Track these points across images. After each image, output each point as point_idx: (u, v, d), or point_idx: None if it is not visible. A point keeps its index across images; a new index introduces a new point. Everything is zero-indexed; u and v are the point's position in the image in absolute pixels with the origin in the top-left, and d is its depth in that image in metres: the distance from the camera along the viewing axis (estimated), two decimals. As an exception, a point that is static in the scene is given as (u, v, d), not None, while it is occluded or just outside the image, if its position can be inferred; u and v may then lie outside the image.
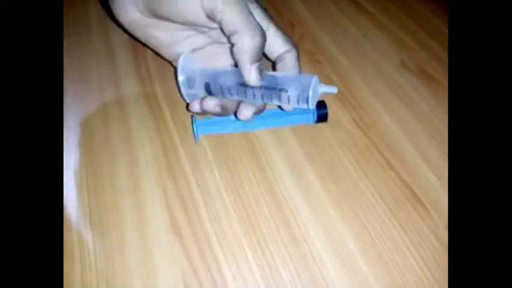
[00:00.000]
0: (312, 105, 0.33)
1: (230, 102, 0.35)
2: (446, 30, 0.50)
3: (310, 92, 0.32)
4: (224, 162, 0.36)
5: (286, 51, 0.35)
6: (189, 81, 0.36)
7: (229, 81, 0.34)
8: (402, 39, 0.49)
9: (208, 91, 0.35)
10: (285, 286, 0.29)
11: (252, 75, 0.32)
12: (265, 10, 0.35)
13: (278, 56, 0.35)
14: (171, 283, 0.29)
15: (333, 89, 0.33)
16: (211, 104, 0.35)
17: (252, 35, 0.31)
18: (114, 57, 0.45)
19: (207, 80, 0.35)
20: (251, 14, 0.32)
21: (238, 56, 0.32)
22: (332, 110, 0.40)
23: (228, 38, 0.32)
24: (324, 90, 0.33)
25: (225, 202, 0.33)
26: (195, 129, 0.36)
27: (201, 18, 0.33)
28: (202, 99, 0.35)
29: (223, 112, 0.35)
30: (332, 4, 0.54)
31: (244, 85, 0.34)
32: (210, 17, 0.32)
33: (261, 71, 0.33)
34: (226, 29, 0.32)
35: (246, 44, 0.31)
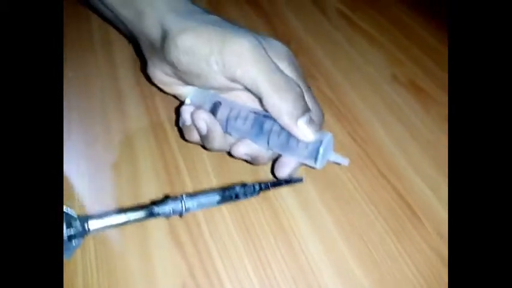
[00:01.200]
0: (320, 164, 0.32)
1: (221, 137, 0.33)
2: (437, 45, 0.51)
3: (321, 150, 0.31)
4: (223, 175, 0.37)
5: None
6: (197, 104, 0.34)
7: (244, 109, 0.32)
8: (394, 54, 0.50)
9: (213, 111, 0.34)
10: (284, 297, 0.30)
11: (300, 132, 0.30)
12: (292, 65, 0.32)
13: None
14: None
15: (344, 161, 0.32)
16: (203, 116, 0.32)
17: (281, 96, 0.29)
18: (116, 73, 0.46)
19: (218, 99, 0.34)
20: (278, 70, 0.30)
21: (278, 121, 0.31)
22: (328, 124, 0.41)
23: (260, 101, 0.31)
24: (334, 159, 0.32)
25: (223, 212, 0.34)
26: None
27: (227, 83, 0.32)
28: (196, 109, 0.33)
29: (207, 140, 0.33)
30: (326, 20, 0.55)
31: (265, 116, 0.32)
32: (234, 82, 0.31)
33: (311, 121, 0.31)
34: (253, 93, 0.31)
35: (278, 107, 0.30)
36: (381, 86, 0.46)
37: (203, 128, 0.33)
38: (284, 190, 0.36)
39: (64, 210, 0.21)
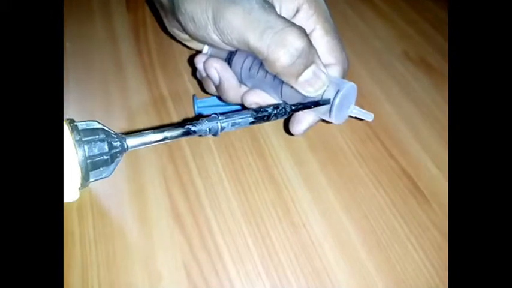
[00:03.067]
0: (337, 118, 0.29)
1: (234, 87, 0.32)
2: (447, 20, 0.50)
3: (336, 102, 0.28)
4: (225, 148, 0.36)
5: (331, 64, 0.30)
6: (212, 55, 0.33)
7: (259, 59, 0.29)
8: (405, 30, 0.49)
9: (229, 61, 0.32)
10: (285, 272, 0.29)
11: (302, 89, 0.29)
12: (319, 5, 0.30)
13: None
14: (171, 267, 0.29)
15: (369, 116, 0.30)
16: (215, 64, 0.31)
17: (273, 58, 0.27)
18: (116, 44, 0.45)
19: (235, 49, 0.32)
20: (270, 26, 0.27)
21: (279, 76, 0.29)
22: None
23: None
24: (356, 114, 0.30)
25: (226, 188, 0.34)
26: (195, 109, 0.37)
27: (231, 47, 0.30)
28: (209, 58, 0.32)
29: (221, 90, 0.32)
30: (335, -7, 0.54)
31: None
32: (238, 47, 0.29)
33: (314, 76, 0.28)
34: (255, 55, 0.29)
35: (273, 69, 0.28)
36: (390, 61, 0.45)
37: (215, 77, 0.32)
38: (287, 165, 0.35)
39: (103, 126, 0.21)
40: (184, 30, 0.33)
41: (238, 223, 0.32)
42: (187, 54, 0.44)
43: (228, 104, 0.37)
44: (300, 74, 0.28)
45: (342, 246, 0.31)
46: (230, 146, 0.36)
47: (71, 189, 0.20)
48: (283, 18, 0.28)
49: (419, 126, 0.39)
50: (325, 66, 0.29)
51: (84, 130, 0.20)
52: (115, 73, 0.42)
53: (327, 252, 0.30)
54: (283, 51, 0.27)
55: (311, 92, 0.29)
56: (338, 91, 0.28)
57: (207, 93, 0.36)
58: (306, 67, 0.28)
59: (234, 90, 0.32)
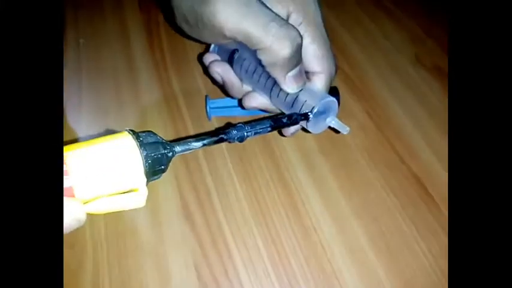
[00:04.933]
0: (313, 127, 0.31)
1: (236, 87, 0.33)
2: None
3: (313, 112, 0.29)
4: (236, 150, 0.36)
5: (316, 72, 0.31)
6: (219, 50, 0.35)
7: (253, 58, 0.31)
8: (416, 33, 0.49)
9: (231, 59, 0.33)
10: (294, 274, 0.29)
11: (287, 85, 0.30)
12: (308, 12, 0.30)
13: (307, 72, 0.31)
14: (182, 266, 0.29)
15: (344, 129, 0.30)
16: (217, 69, 0.33)
17: (277, 47, 0.28)
18: (128, 42, 0.45)
19: (237, 46, 0.33)
20: (274, 20, 0.28)
21: (268, 69, 0.30)
22: (345, 100, 0.40)
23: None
24: (335, 124, 0.31)
25: (237, 189, 0.34)
26: (208, 110, 0.37)
27: (227, 40, 0.30)
28: (213, 61, 0.34)
29: (225, 89, 0.34)
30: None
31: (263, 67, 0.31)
32: (231, 38, 0.29)
33: (299, 74, 0.30)
34: (249, 46, 0.29)
35: (272, 59, 0.29)
36: (401, 65, 0.45)
37: (219, 80, 0.34)
38: (298, 168, 0.35)
39: (160, 139, 0.24)
40: (182, 30, 0.33)
41: (249, 224, 0.32)
42: (199, 52, 0.44)
43: (238, 105, 0.37)
44: (291, 69, 0.29)
45: (351, 249, 0.31)
46: (241, 148, 0.36)
47: (141, 199, 0.23)
48: (280, 16, 0.29)
49: (431, 131, 0.38)
50: (310, 73, 0.31)
51: (148, 144, 0.23)
52: (127, 71, 0.42)
53: (336, 255, 0.30)
54: (287, 43, 0.28)
55: (294, 88, 0.30)
56: (313, 107, 0.30)
57: (216, 85, 0.38)
58: (298, 63, 0.30)
59: (236, 90, 0.34)
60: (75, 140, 0.36)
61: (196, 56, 0.44)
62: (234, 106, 0.38)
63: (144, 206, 0.32)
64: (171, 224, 0.32)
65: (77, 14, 0.47)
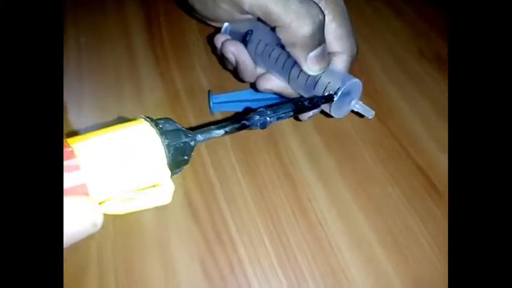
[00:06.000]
0: (336, 112, 0.30)
1: (250, 69, 0.32)
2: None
3: (337, 96, 0.28)
4: (240, 145, 0.36)
5: (337, 52, 0.30)
6: (231, 32, 0.33)
7: (270, 39, 0.30)
8: (420, 26, 0.48)
9: (244, 41, 0.32)
10: (301, 270, 0.29)
11: (308, 66, 0.29)
12: None
13: (328, 53, 0.30)
14: (187, 262, 0.29)
15: (370, 113, 0.29)
16: (231, 48, 0.31)
17: (298, 25, 0.27)
18: (130, 38, 0.45)
19: (252, 27, 0.32)
20: None
21: (287, 49, 0.29)
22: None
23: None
24: (357, 109, 0.30)
25: (241, 184, 0.33)
26: (211, 105, 0.37)
27: (245, 16, 0.30)
28: (226, 40, 0.32)
29: (238, 70, 0.32)
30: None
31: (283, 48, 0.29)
32: (248, 12, 0.29)
33: (322, 54, 0.29)
34: (268, 22, 0.28)
35: (292, 37, 0.27)
36: (405, 58, 0.44)
37: (232, 60, 0.32)
38: (303, 163, 0.35)
39: (180, 127, 0.21)
40: (194, 10, 0.33)
41: (254, 220, 0.31)
42: (202, 46, 0.44)
43: (242, 99, 0.37)
44: (313, 48, 0.28)
45: (358, 245, 0.30)
46: (245, 143, 0.36)
47: (166, 195, 0.20)
48: None
49: (435, 124, 0.38)
50: (330, 54, 0.30)
51: (169, 132, 0.20)
52: (129, 68, 0.42)
53: (343, 251, 0.30)
54: (308, 21, 0.27)
55: (316, 70, 0.29)
56: (338, 88, 0.28)
57: (227, 69, 0.36)
58: (320, 43, 0.28)
59: (249, 72, 0.33)
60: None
61: (198, 51, 0.43)
62: (237, 101, 0.37)
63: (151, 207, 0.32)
64: (176, 220, 0.31)
65: (76, 12, 0.47)
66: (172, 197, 0.32)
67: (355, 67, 0.42)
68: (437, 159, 0.36)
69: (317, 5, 0.28)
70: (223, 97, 0.37)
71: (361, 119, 0.38)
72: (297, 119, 0.35)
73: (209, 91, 0.38)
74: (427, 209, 0.33)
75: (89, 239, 0.30)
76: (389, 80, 0.42)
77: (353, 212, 0.32)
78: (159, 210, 0.31)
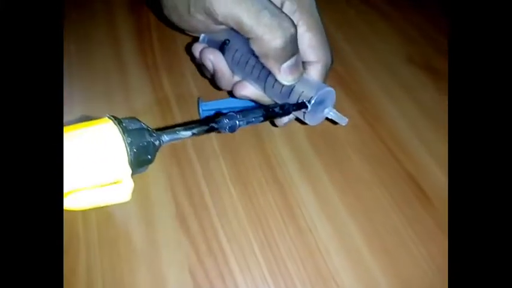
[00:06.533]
0: (310, 119, 0.31)
1: (227, 77, 0.32)
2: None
3: (311, 103, 0.29)
4: (230, 151, 0.36)
5: (312, 62, 0.31)
6: (209, 41, 0.34)
7: (246, 49, 0.30)
8: (409, 33, 0.49)
9: (222, 50, 0.33)
10: (291, 276, 0.29)
11: (281, 76, 0.29)
12: (302, 0, 0.30)
13: (303, 62, 0.31)
14: (177, 271, 0.29)
15: (343, 120, 0.30)
16: (209, 56, 0.31)
17: (270, 37, 0.27)
18: (120, 45, 0.45)
19: (229, 36, 0.32)
20: (267, 8, 0.27)
21: (261, 60, 0.29)
22: (338, 101, 0.39)
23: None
24: (333, 115, 0.30)
25: (231, 191, 0.33)
26: (200, 112, 0.37)
27: (220, 27, 0.30)
28: (205, 48, 0.32)
29: (215, 78, 0.33)
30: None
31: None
32: (223, 23, 0.29)
33: (295, 65, 0.29)
34: (241, 33, 0.29)
35: (264, 49, 0.28)
36: (394, 65, 0.45)
37: (210, 68, 0.32)
38: (292, 169, 0.35)
39: (145, 126, 0.22)
40: (171, 21, 0.33)
41: (244, 228, 0.31)
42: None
43: (231, 106, 0.37)
44: (286, 59, 0.29)
45: (347, 250, 0.31)
46: (234, 149, 0.36)
47: (125, 192, 0.20)
48: (274, 4, 0.28)
49: (424, 129, 0.38)
50: (305, 63, 0.30)
51: (132, 131, 0.21)
52: (118, 74, 0.42)
53: (333, 256, 0.30)
54: (280, 34, 0.27)
55: (290, 80, 0.30)
56: (311, 97, 0.29)
57: (205, 77, 0.37)
58: (292, 54, 0.29)
59: (226, 80, 0.33)
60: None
61: (188, 58, 0.44)
62: (227, 108, 0.37)
63: (138, 211, 0.32)
64: (165, 228, 0.31)
65: (67, 19, 0.47)
66: (162, 206, 0.32)
67: (343, 74, 0.43)
68: (425, 163, 0.36)
69: (289, 17, 0.28)
70: (212, 104, 0.37)
71: (351, 124, 0.38)
72: (273, 124, 0.35)
73: (199, 98, 0.38)
74: (415, 213, 0.33)
75: (76, 251, 0.30)
76: (378, 86, 0.42)
77: (342, 217, 0.32)
78: (149, 221, 0.31)
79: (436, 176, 0.35)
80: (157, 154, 0.35)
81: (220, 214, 0.32)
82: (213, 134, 0.37)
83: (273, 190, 0.34)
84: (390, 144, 0.37)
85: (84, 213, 0.32)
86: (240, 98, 0.34)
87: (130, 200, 0.32)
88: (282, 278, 0.29)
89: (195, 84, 0.41)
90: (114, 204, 0.32)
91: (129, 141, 0.20)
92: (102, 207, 0.20)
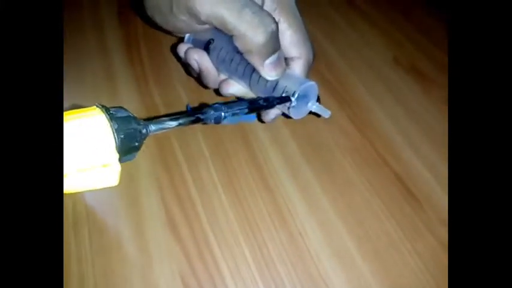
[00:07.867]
0: (295, 113, 0.31)
1: (212, 75, 0.33)
2: (436, 26, 0.50)
3: (294, 97, 0.30)
4: (220, 158, 0.36)
5: (294, 58, 0.32)
6: (194, 41, 0.34)
7: (230, 47, 0.31)
8: (395, 37, 0.49)
9: (207, 49, 0.33)
10: (282, 281, 0.29)
11: (265, 72, 0.30)
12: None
13: (286, 58, 0.32)
14: (168, 279, 0.29)
15: (326, 113, 0.31)
16: (194, 56, 0.32)
17: (252, 34, 0.28)
18: (108, 56, 0.45)
19: (213, 36, 0.33)
20: (248, 6, 0.28)
21: (245, 56, 0.30)
22: (325, 105, 0.40)
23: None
24: (316, 109, 0.31)
25: (221, 198, 0.34)
26: None
27: (204, 26, 0.31)
28: (190, 48, 0.33)
29: (201, 77, 0.33)
30: (324, 0, 0.54)
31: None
32: (206, 23, 0.30)
33: (278, 61, 0.30)
34: (224, 31, 0.29)
35: (247, 46, 0.29)
36: (381, 68, 0.45)
37: (195, 67, 0.33)
38: (282, 173, 0.35)
39: (131, 114, 0.23)
40: (155, 22, 0.34)
41: (235, 233, 0.32)
42: (180, 62, 0.44)
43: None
44: (268, 55, 0.30)
45: (338, 253, 0.31)
46: (225, 155, 0.36)
47: (113, 176, 0.21)
48: (255, 2, 0.29)
49: (411, 132, 0.39)
50: (288, 59, 0.31)
51: (119, 118, 0.22)
52: (107, 85, 0.42)
53: (323, 260, 0.30)
54: (262, 30, 0.28)
55: (273, 76, 0.31)
56: (294, 92, 0.30)
57: (191, 76, 0.37)
58: (275, 50, 0.30)
59: (212, 79, 0.34)
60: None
61: (177, 67, 0.44)
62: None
63: (129, 219, 0.32)
64: (156, 236, 0.31)
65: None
66: (153, 214, 0.32)
67: (331, 79, 0.44)
68: (414, 166, 0.36)
69: (270, 15, 0.29)
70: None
71: (338, 127, 0.39)
72: (260, 120, 0.36)
73: (187, 105, 0.38)
74: (405, 216, 0.33)
75: (68, 258, 0.30)
76: (366, 90, 0.43)
77: (332, 221, 0.32)
78: (140, 230, 0.31)
79: (424, 178, 0.35)
80: (147, 162, 0.35)
81: (211, 221, 0.32)
82: (203, 142, 0.37)
83: (263, 195, 0.34)
84: (379, 148, 0.38)
85: (76, 223, 0.32)
86: (226, 96, 0.34)
87: (121, 208, 0.33)
88: (273, 282, 0.29)
89: (184, 91, 0.42)
90: (106, 213, 0.32)
91: (116, 127, 0.21)
92: (92, 190, 0.21)
